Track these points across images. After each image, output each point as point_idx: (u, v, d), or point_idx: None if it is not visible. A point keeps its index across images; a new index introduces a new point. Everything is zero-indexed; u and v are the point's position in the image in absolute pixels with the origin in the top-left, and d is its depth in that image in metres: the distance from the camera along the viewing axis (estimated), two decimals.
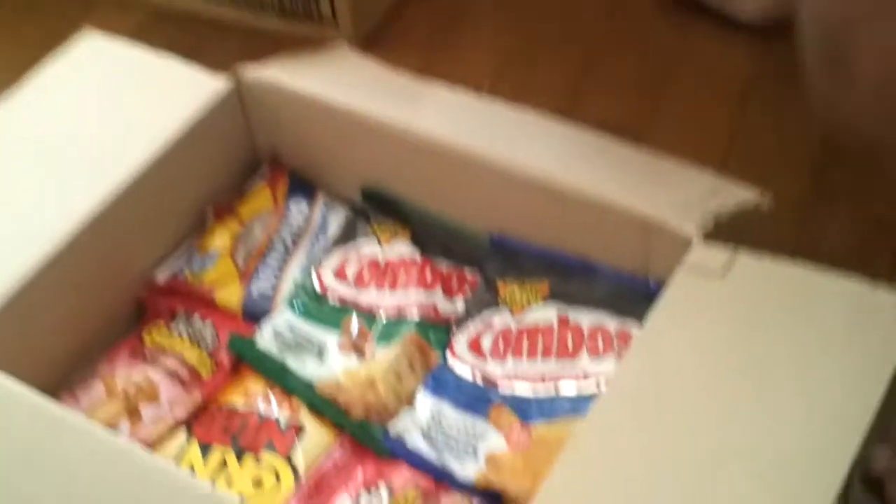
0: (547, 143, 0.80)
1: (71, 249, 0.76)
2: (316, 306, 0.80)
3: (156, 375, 0.77)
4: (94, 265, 0.78)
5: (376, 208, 0.85)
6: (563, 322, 0.76)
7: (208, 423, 0.74)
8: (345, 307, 0.80)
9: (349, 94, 0.84)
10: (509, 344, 0.76)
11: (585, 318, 0.75)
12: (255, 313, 0.80)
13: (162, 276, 0.83)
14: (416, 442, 0.71)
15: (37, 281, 0.74)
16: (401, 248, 0.83)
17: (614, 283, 0.77)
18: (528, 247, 0.80)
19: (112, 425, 0.74)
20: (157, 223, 0.83)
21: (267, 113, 0.87)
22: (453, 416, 0.72)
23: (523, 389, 0.73)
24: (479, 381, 0.74)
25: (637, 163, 0.78)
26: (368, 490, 0.70)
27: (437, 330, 0.78)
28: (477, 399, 0.73)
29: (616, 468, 0.62)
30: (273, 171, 0.88)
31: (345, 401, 0.74)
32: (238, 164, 0.89)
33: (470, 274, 0.81)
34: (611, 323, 0.75)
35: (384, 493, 0.69)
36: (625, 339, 0.74)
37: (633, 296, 0.75)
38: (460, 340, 0.77)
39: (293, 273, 0.82)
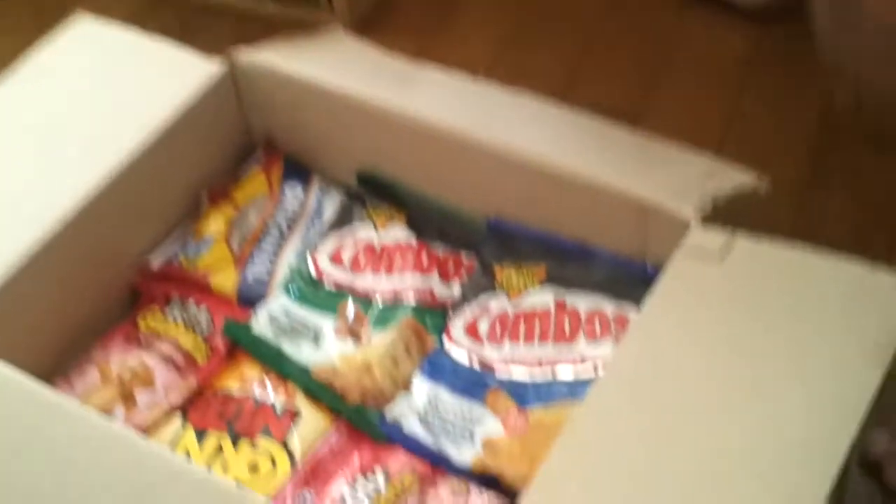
0: (544, 126, 0.79)
1: (65, 235, 0.75)
2: (312, 291, 0.79)
3: (151, 361, 0.77)
4: (87, 250, 0.78)
5: (372, 192, 0.85)
6: (560, 306, 0.75)
7: (204, 408, 0.74)
8: (341, 292, 0.79)
9: (344, 77, 0.83)
10: (506, 328, 0.75)
11: (582, 302, 0.75)
12: (250, 298, 0.80)
13: (156, 261, 0.83)
14: (413, 427, 0.71)
15: (30, 266, 0.74)
16: (397, 233, 0.82)
17: (612, 267, 0.76)
18: (524, 230, 0.80)
19: (107, 411, 0.74)
20: (152, 208, 0.83)
21: (261, 97, 0.86)
22: (450, 401, 0.72)
23: (520, 374, 0.73)
24: (476, 366, 0.74)
25: (634, 146, 0.78)
26: (365, 475, 0.69)
27: (433, 314, 0.77)
28: (474, 384, 0.73)
29: (613, 452, 0.62)
30: (268, 156, 0.88)
31: (341, 386, 0.73)
32: (232, 149, 0.88)
33: (466, 258, 0.81)
34: (608, 307, 0.75)
35: (381, 478, 0.69)
36: (622, 323, 0.73)
37: (631, 279, 0.75)
38: (457, 325, 0.76)
39: (288, 258, 0.82)
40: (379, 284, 0.79)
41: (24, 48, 0.86)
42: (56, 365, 0.77)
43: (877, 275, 0.66)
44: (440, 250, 0.81)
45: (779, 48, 1.11)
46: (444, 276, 0.80)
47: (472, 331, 0.76)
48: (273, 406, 0.73)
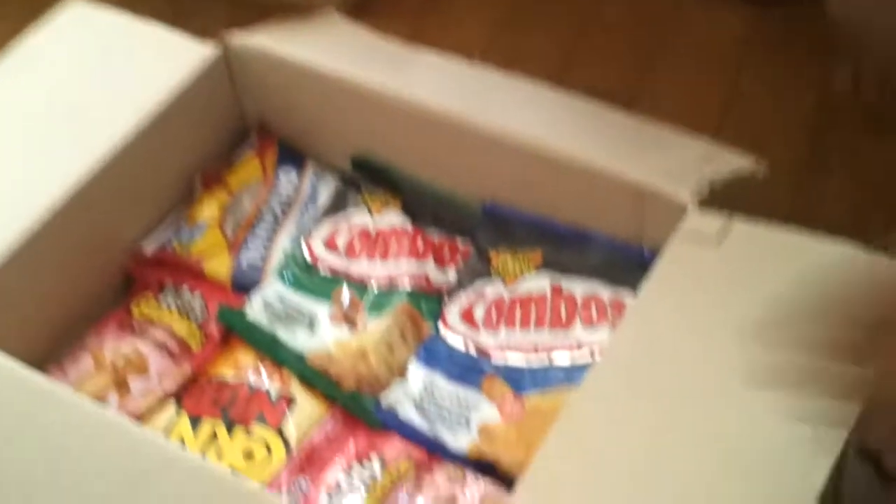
0: (539, 109, 0.79)
1: (57, 220, 0.75)
2: (306, 277, 0.79)
3: (144, 348, 0.76)
4: (80, 236, 0.77)
5: (366, 177, 0.84)
6: (557, 291, 0.75)
7: (198, 395, 0.74)
8: (336, 278, 0.79)
9: (338, 61, 0.83)
10: (502, 314, 0.75)
11: (579, 287, 0.75)
12: (244, 284, 0.79)
13: (150, 247, 0.82)
14: (409, 413, 0.71)
15: (23, 253, 0.73)
16: (392, 218, 0.82)
17: (608, 252, 0.76)
18: (520, 215, 0.79)
19: (100, 398, 0.73)
20: (145, 193, 0.83)
21: (255, 81, 0.86)
22: (446, 388, 0.72)
23: (516, 360, 0.72)
24: (472, 352, 0.74)
25: (631, 130, 0.78)
26: (361, 462, 0.69)
27: (429, 300, 0.77)
28: (469, 370, 0.73)
29: (610, 437, 0.61)
30: (262, 141, 0.87)
31: (336, 372, 0.73)
32: (226, 133, 0.88)
33: (462, 243, 0.81)
34: (604, 292, 0.74)
35: (376, 464, 0.69)
36: (619, 307, 0.73)
37: (627, 264, 0.74)
38: (452, 311, 0.76)
39: (283, 243, 0.82)
40: (374, 270, 0.79)
41: (17, 33, 0.86)
42: (49, 352, 0.76)
43: (874, 258, 0.66)
44: (435, 236, 0.81)
45: (777, 29, 1.10)
46: (440, 262, 0.79)
47: (467, 317, 0.75)
48: (268, 392, 0.73)
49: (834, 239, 0.67)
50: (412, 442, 0.70)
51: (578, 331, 0.73)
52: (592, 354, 0.71)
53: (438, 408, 0.71)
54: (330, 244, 0.81)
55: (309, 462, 0.70)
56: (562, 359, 0.72)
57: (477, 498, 0.66)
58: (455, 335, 0.75)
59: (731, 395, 0.62)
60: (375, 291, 0.78)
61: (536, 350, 0.72)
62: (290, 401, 0.72)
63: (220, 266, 0.80)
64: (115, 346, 0.77)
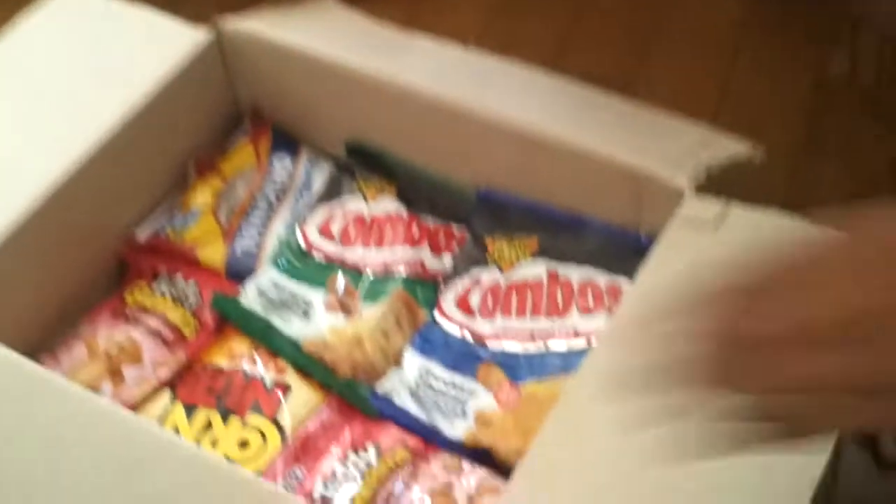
0: (535, 94, 0.78)
1: (49, 207, 0.74)
2: (301, 264, 0.79)
3: (138, 336, 0.76)
4: (73, 223, 0.77)
5: (361, 163, 0.84)
6: (553, 278, 0.75)
7: (192, 383, 0.73)
8: (330, 264, 0.78)
9: (332, 46, 0.82)
10: (498, 301, 0.75)
11: (575, 274, 0.74)
12: (238, 272, 0.79)
13: (143, 233, 0.82)
14: (405, 401, 0.70)
15: (14, 240, 0.73)
16: (387, 205, 0.81)
17: (604, 237, 0.75)
18: (515, 200, 0.79)
19: (94, 387, 0.73)
20: (138, 180, 0.82)
21: (248, 66, 0.85)
22: (442, 375, 0.71)
23: (513, 347, 0.72)
24: (468, 339, 0.73)
25: (627, 115, 0.77)
26: (356, 450, 0.69)
27: (424, 287, 0.77)
28: (465, 357, 0.72)
29: (607, 425, 0.61)
30: (256, 127, 0.87)
31: (331, 359, 0.73)
32: (220, 119, 0.87)
33: (457, 230, 0.80)
34: (601, 278, 0.74)
35: (372, 453, 0.69)
36: (615, 294, 0.73)
37: (624, 250, 0.74)
38: (448, 298, 0.76)
39: (277, 230, 0.81)
40: (369, 257, 0.78)
41: (9, 17, 0.85)
42: (42, 340, 0.76)
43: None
44: (431, 222, 0.81)
45: (774, 12, 1.10)
46: (435, 249, 0.79)
47: (463, 304, 0.75)
48: (263, 380, 0.73)
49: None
50: (408, 430, 0.69)
51: (575, 318, 0.72)
52: (589, 342, 0.71)
53: (434, 395, 0.70)
54: (324, 231, 0.80)
55: (304, 450, 0.69)
56: (558, 346, 0.71)
57: (473, 486, 0.66)
58: (451, 322, 0.74)
59: None
60: (371, 278, 0.77)
61: (533, 338, 0.72)
62: (285, 389, 0.72)
63: (214, 253, 0.80)
64: (108, 334, 0.76)
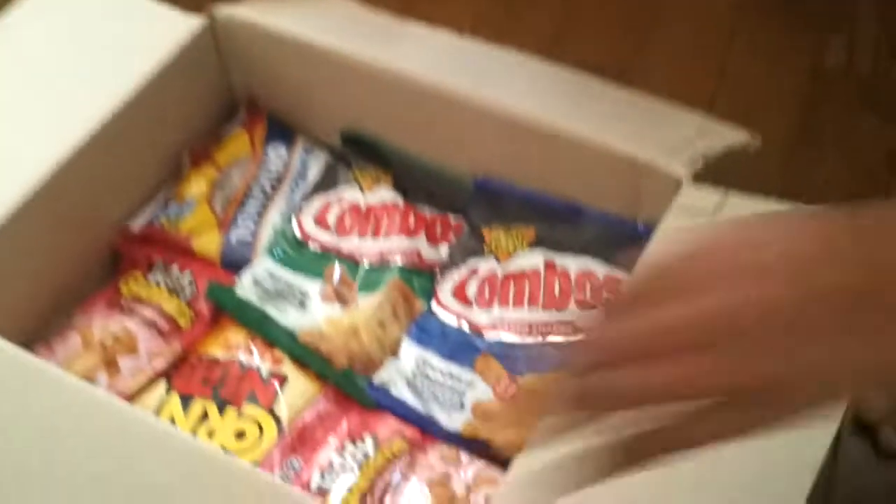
0: (532, 82, 0.78)
1: (42, 197, 0.74)
2: (297, 254, 0.78)
3: (133, 326, 0.76)
4: (66, 213, 0.76)
5: (356, 152, 0.83)
6: (550, 268, 0.74)
7: (188, 374, 0.73)
8: (326, 254, 0.78)
9: (327, 33, 0.82)
10: (495, 291, 0.74)
11: (573, 264, 0.74)
12: (234, 262, 0.79)
13: (137, 224, 0.81)
14: (402, 392, 0.70)
15: (8, 230, 0.72)
16: (383, 194, 0.81)
17: (602, 226, 0.75)
18: (512, 189, 0.78)
19: (89, 378, 0.72)
20: (131, 169, 0.81)
21: (242, 53, 0.84)
22: (439, 366, 0.71)
23: (510, 338, 0.72)
24: (465, 329, 0.73)
25: (624, 103, 0.77)
26: (353, 441, 0.69)
27: (421, 277, 0.76)
28: (462, 347, 0.72)
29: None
30: (251, 116, 0.86)
31: (327, 350, 0.72)
32: (214, 107, 0.86)
33: (454, 220, 0.80)
34: (599, 268, 0.73)
35: (370, 443, 0.68)
36: (613, 283, 0.72)
37: (622, 239, 0.73)
38: (445, 288, 0.75)
39: (273, 220, 0.81)
40: (365, 247, 0.78)
41: (1, 5, 0.84)
42: (36, 331, 0.75)
43: None
44: (427, 212, 0.80)
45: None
46: (432, 239, 0.79)
47: (460, 294, 0.75)
48: (259, 371, 0.72)
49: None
50: (405, 421, 0.69)
51: (572, 311, 0.72)
52: None
53: (431, 386, 0.70)
54: (320, 221, 0.80)
55: (301, 441, 0.69)
56: (556, 337, 0.71)
57: (471, 478, 0.66)
58: (448, 312, 0.74)
59: None
60: (367, 268, 0.77)
61: (531, 331, 0.72)
62: (281, 380, 0.72)
63: (209, 243, 0.79)
64: (103, 325, 0.76)
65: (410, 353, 0.72)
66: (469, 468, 0.67)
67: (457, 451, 0.67)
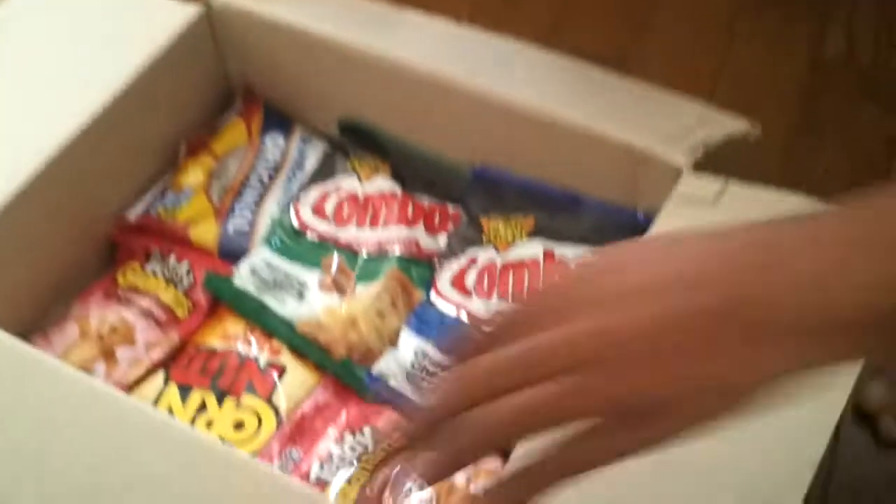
0: (530, 71, 0.78)
1: (38, 187, 0.73)
2: (294, 244, 0.78)
3: (131, 316, 0.75)
4: (63, 203, 0.76)
5: (354, 141, 0.83)
6: (550, 257, 0.74)
7: (186, 364, 0.73)
8: (324, 244, 0.78)
9: (324, 21, 0.81)
10: (494, 281, 0.74)
11: (572, 253, 0.74)
12: (231, 251, 0.78)
13: (133, 214, 0.81)
14: (400, 382, 0.70)
15: (4, 220, 0.72)
16: (381, 184, 0.81)
17: (602, 215, 0.75)
18: (510, 178, 0.78)
19: (87, 369, 0.72)
20: (128, 159, 0.81)
21: (239, 41, 0.84)
22: (438, 356, 0.71)
23: None
24: (464, 319, 0.73)
25: (623, 92, 0.77)
26: (353, 432, 0.68)
27: (419, 267, 0.76)
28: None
29: None
30: (247, 105, 0.86)
31: (326, 340, 0.72)
32: (211, 96, 0.86)
33: (452, 209, 0.80)
34: None
35: (369, 434, 0.68)
36: None
37: (622, 228, 0.73)
38: (444, 277, 0.75)
39: (270, 209, 0.80)
40: (363, 236, 0.78)
41: None
42: (34, 321, 0.75)
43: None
44: (426, 201, 0.80)
45: None
46: (430, 228, 0.78)
47: (459, 284, 0.74)
48: (257, 362, 0.72)
49: (825, 201, 0.67)
50: (404, 412, 0.69)
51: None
52: None
53: (431, 376, 0.70)
54: (318, 210, 0.80)
55: (300, 432, 0.69)
56: None
57: (470, 469, 0.66)
58: (446, 302, 0.74)
59: None
60: (365, 258, 0.77)
61: None
62: (280, 370, 0.71)
63: (206, 232, 0.79)
64: (100, 315, 0.75)
65: (409, 343, 0.72)
66: None
67: None
